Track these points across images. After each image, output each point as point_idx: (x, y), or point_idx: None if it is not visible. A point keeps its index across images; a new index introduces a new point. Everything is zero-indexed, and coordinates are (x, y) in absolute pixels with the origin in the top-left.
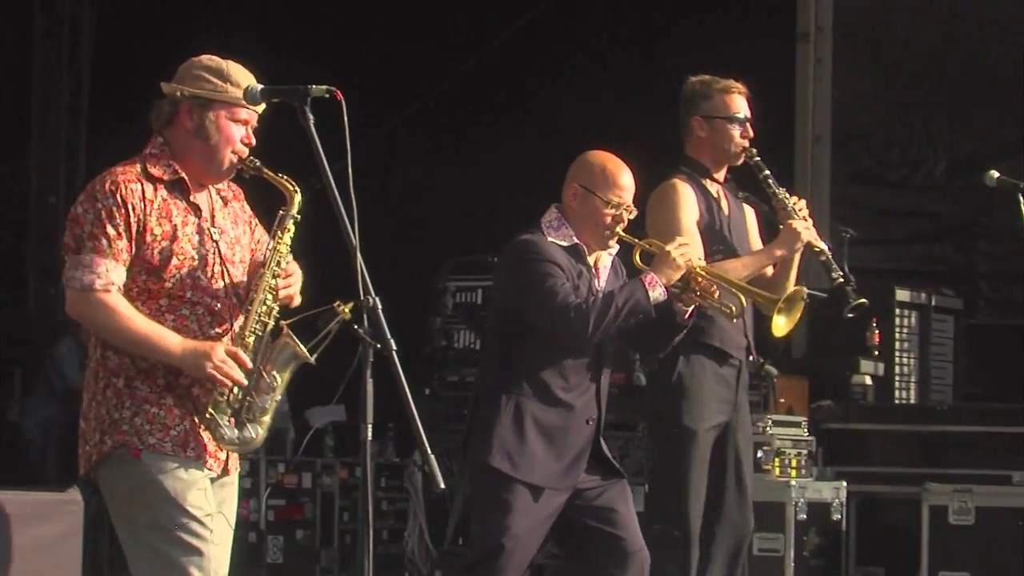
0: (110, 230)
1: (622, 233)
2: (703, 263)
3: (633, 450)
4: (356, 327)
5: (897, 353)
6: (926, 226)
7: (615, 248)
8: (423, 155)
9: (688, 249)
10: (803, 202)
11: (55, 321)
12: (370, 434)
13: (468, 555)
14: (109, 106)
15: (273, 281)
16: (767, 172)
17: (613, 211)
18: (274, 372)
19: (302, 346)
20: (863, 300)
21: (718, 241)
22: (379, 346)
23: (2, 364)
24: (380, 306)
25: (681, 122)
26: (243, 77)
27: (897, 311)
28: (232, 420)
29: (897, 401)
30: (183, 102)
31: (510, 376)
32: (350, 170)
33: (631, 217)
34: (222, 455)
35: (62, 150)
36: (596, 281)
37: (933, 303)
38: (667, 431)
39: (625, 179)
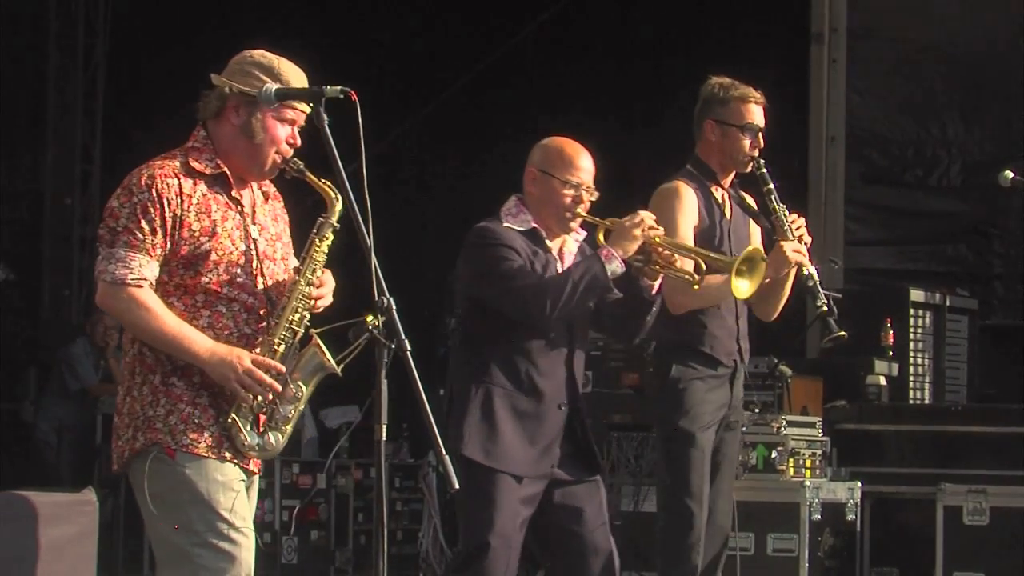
0: (144, 225)
1: (584, 214)
2: (661, 233)
3: (648, 451)
4: (371, 328)
5: (912, 353)
6: (941, 227)
7: (581, 234)
8: (438, 154)
9: (646, 221)
10: (801, 220)
11: (69, 322)
12: (384, 435)
13: (457, 553)
14: (124, 108)
15: (307, 289)
16: (771, 186)
17: (572, 192)
18: (300, 382)
19: (330, 357)
20: (843, 333)
21: (716, 245)
22: (393, 346)
23: (16, 364)
24: (395, 306)
25: (695, 121)
26: (294, 76)
27: (912, 311)
28: (255, 427)
29: (912, 401)
30: (231, 97)
31: (478, 365)
32: (364, 171)
33: (592, 199)
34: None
35: (77, 152)
36: (559, 265)
37: (948, 304)
38: (666, 434)
39: (583, 161)
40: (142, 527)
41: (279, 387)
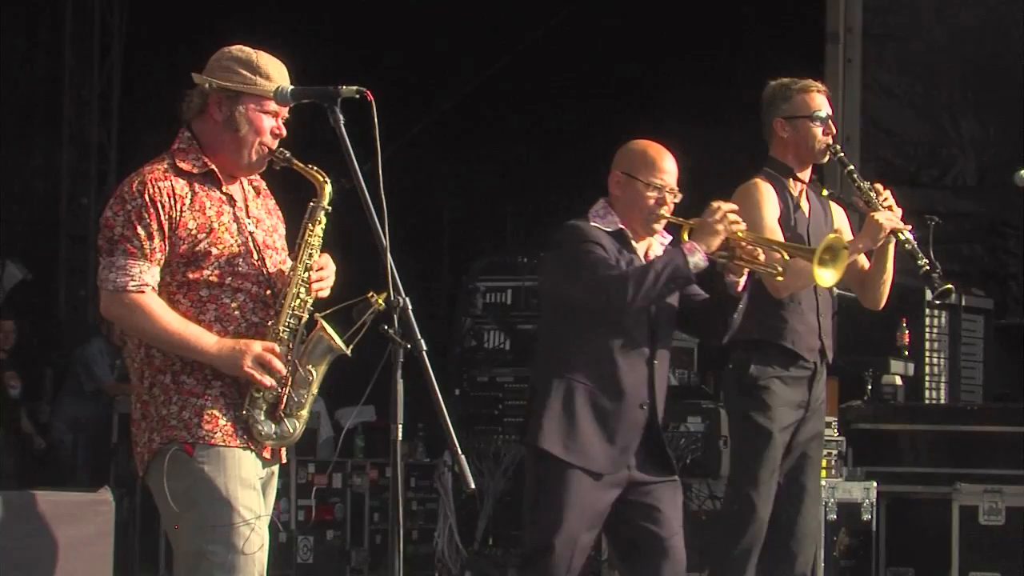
0: (141, 231)
1: (667, 215)
2: (743, 227)
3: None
4: (386, 328)
5: (927, 353)
6: (956, 226)
7: (666, 237)
8: (455, 155)
9: (728, 215)
10: (887, 192)
11: (86, 322)
12: (400, 435)
13: (523, 548)
14: (139, 108)
15: (305, 274)
16: (851, 167)
17: (656, 194)
18: (309, 366)
19: (337, 338)
20: (950, 286)
21: (795, 238)
22: (409, 346)
23: (33, 365)
24: (410, 306)
25: (764, 125)
26: (273, 68)
27: (927, 311)
28: (269, 415)
29: (927, 401)
30: (212, 94)
31: (562, 361)
32: (380, 171)
33: (676, 200)
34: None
35: (93, 152)
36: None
37: (963, 303)
38: (740, 431)
39: (666, 163)
40: (158, 526)
41: (286, 372)
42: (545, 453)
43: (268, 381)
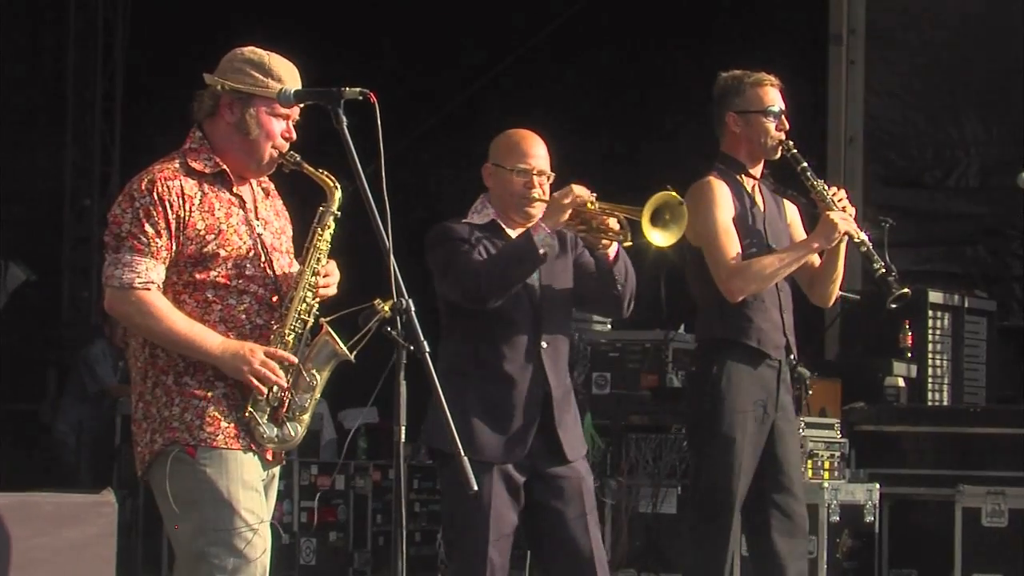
0: (148, 228)
1: (538, 197)
2: (592, 198)
3: (666, 452)
4: (389, 329)
5: (930, 355)
6: (959, 228)
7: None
8: (456, 157)
9: (574, 189)
10: (843, 192)
11: (89, 324)
12: (403, 436)
13: (445, 547)
14: (144, 109)
15: (313, 279)
16: (804, 164)
17: (523, 178)
18: (313, 370)
19: (342, 344)
20: (906, 290)
21: (752, 236)
22: (412, 348)
23: (36, 365)
24: (413, 308)
25: (716, 119)
26: (285, 71)
27: (930, 313)
28: (272, 418)
29: (930, 403)
30: (224, 95)
31: (451, 358)
32: (383, 172)
33: (548, 181)
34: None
35: (96, 153)
36: None
37: (966, 305)
38: (706, 439)
39: (533, 147)
40: (161, 528)
41: (287, 382)
42: (440, 452)
43: (265, 390)
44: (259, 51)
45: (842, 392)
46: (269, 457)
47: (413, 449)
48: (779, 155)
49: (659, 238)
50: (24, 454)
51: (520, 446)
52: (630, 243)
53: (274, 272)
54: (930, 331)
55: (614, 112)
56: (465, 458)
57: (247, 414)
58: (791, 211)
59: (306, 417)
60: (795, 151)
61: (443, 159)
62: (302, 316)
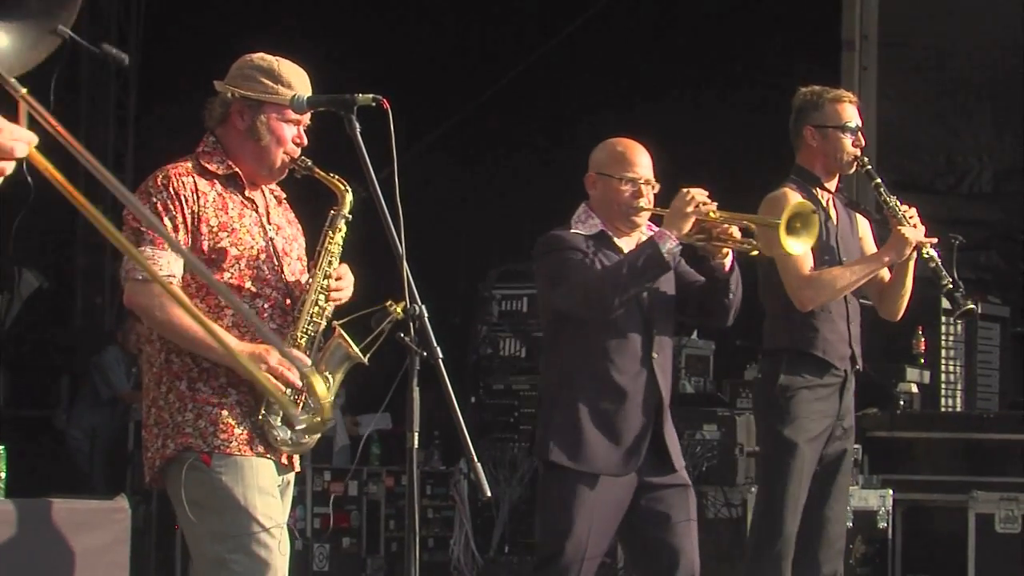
0: (167, 222)
1: (646, 206)
2: (714, 207)
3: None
4: (402, 335)
5: (943, 361)
6: (973, 234)
7: (652, 231)
8: (470, 162)
9: (697, 197)
10: (913, 210)
11: (102, 330)
12: (416, 442)
13: (536, 556)
14: (156, 117)
15: (325, 282)
16: (878, 180)
17: (630, 187)
18: (327, 373)
19: (355, 346)
20: (971, 307)
21: (824, 248)
22: (425, 354)
23: (49, 372)
24: (426, 314)
25: (792, 132)
26: (295, 77)
27: (943, 319)
28: (285, 421)
29: (943, 409)
30: (235, 102)
31: (561, 370)
32: (396, 178)
33: (655, 191)
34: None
35: (109, 161)
36: None
37: (980, 311)
38: (769, 442)
39: (638, 156)
40: (174, 534)
41: (299, 385)
42: (554, 464)
43: (280, 392)
44: (268, 57)
45: (855, 398)
46: (284, 461)
47: (426, 455)
48: (854, 170)
49: (796, 246)
50: (38, 460)
51: (635, 458)
52: (757, 252)
53: (286, 276)
54: (943, 337)
55: (625, 125)
56: (479, 465)
57: (260, 417)
58: (863, 225)
59: (318, 419)
60: (870, 167)
61: (460, 163)
62: (315, 319)
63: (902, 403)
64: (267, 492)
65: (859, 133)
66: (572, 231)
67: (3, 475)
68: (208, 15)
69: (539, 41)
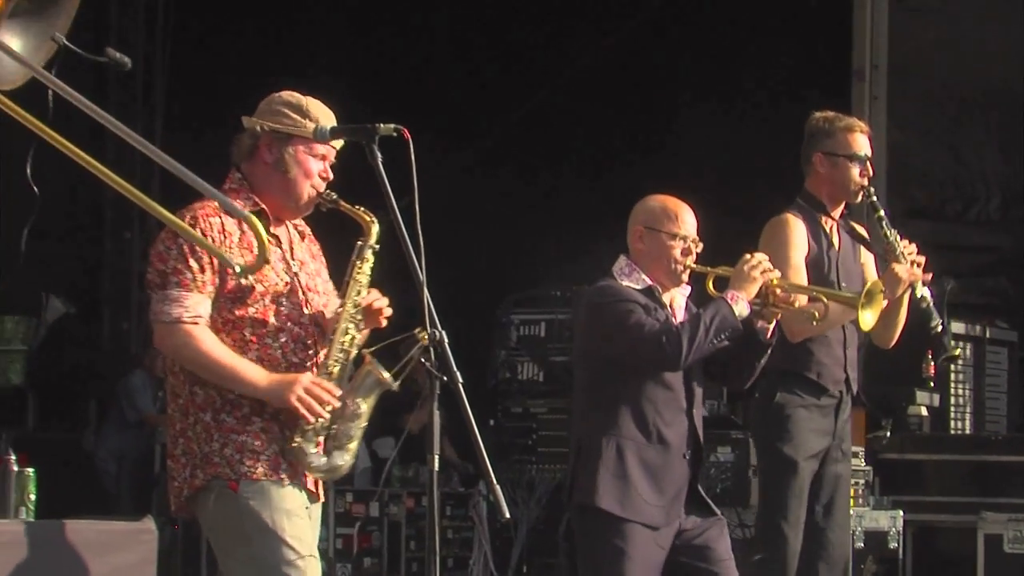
0: (193, 263)
1: (693, 264)
2: (778, 275)
3: (701, 479)
4: (423, 360)
5: (952, 384)
6: (981, 260)
7: (687, 289)
8: (489, 190)
9: (763, 263)
10: (913, 247)
11: (128, 354)
12: (437, 465)
13: None
14: (183, 146)
15: (354, 311)
16: (881, 213)
17: (681, 244)
18: (358, 399)
19: (385, 373)
20: (957, 353)
21: (825, 276)
22: (446, 379)
23: (77, 395)
24: (447, 339)
25: (803, 157)
26: (322, 113)
27: (952, 343)
28: (320, 448)
29: (952, 431)
30: (263, 136)
31: (607, 419)
32: (417, 207)
33: (698, 250)
34: (310, 480)
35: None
36: (674, 320)
37: (988, 335)
38: (767, 460)
39: (686, 215)
40: (200, 555)
41: (337, 404)
42: (602, 511)
43: (312, 420)
44: (296, 95)
45: (866, 421)
46: (311, 487)
47: (445, 477)
48: (860, 200)
49: (868, 319)
50: (67, 481)
51: (677, 506)
52: (821, 323)
53: (310, 311)
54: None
55: (638, 152)
56: (498, 487)
57: (295, 443)
58: (866, 253)
59: (353, 446)
60: (875, 199)
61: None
62: (345, 347)
63: (912, 426)
64: (295, 514)
65: (868, 163)
66: (623, 284)
67: (33, 496)
68: (234, 46)
69: (558, 70)
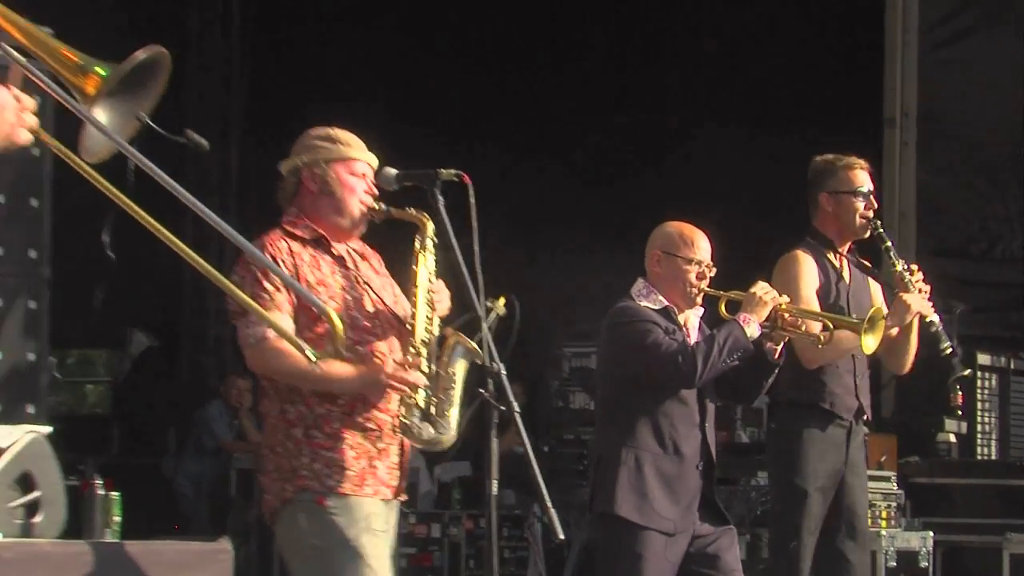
0: (268, 285)
1: (707, 288)
2: (787, 300)
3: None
4: (482, 391)
5: (979, 412)
6: (1005, 295)
7: (700, 311)
8: (544, 227)
9: (770, 288)
10: (919, 275)
11: (207, 385)
12: (496, 488)
13: None
14: (258, 188)
15: (428, 295)
16: (889, 244)
17: (696, 268)
18: (449, 368)
19: (470, 341)
20: (968, 372)
21: (834, 305)
22: (503, 408)
23: (158, 423)
24: (504, 372)
25: (809, 199)
26: (351, 138)
27: (979, 374)
28: (423, 420)
29: (979, 457)
30: (303, 169)
31: (626, 432)
32: (476, 247)
33: (712, 274)
34: (394, 482)
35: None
36: (689, 340)
37: (1012, 366)
38: (779, 490)
39: (702, 241)
40: (272, 574)
41: (423, 381)
42: (620, 519)
43: (411, 381)
44: (323, 128)
45: (898, 447)
46: (390, 496)
47: (502, 499)
48: (868, 233)
49: (871, 344)
50: (148, 505)
51: (690, 514)
52: (824, 346)
53: (386, 315)
54: (979, 390)
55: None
56: (552, 509)
57: (402, 418)
58: (875, 285)
59: (453, 412)
60: (881, 230)
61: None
62: (428, 328)
63: (941, 452)
64: (376, 532)
65: (871, 197)
66: (642, 304)
67: (118, 518)
68: (302, 99)
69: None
